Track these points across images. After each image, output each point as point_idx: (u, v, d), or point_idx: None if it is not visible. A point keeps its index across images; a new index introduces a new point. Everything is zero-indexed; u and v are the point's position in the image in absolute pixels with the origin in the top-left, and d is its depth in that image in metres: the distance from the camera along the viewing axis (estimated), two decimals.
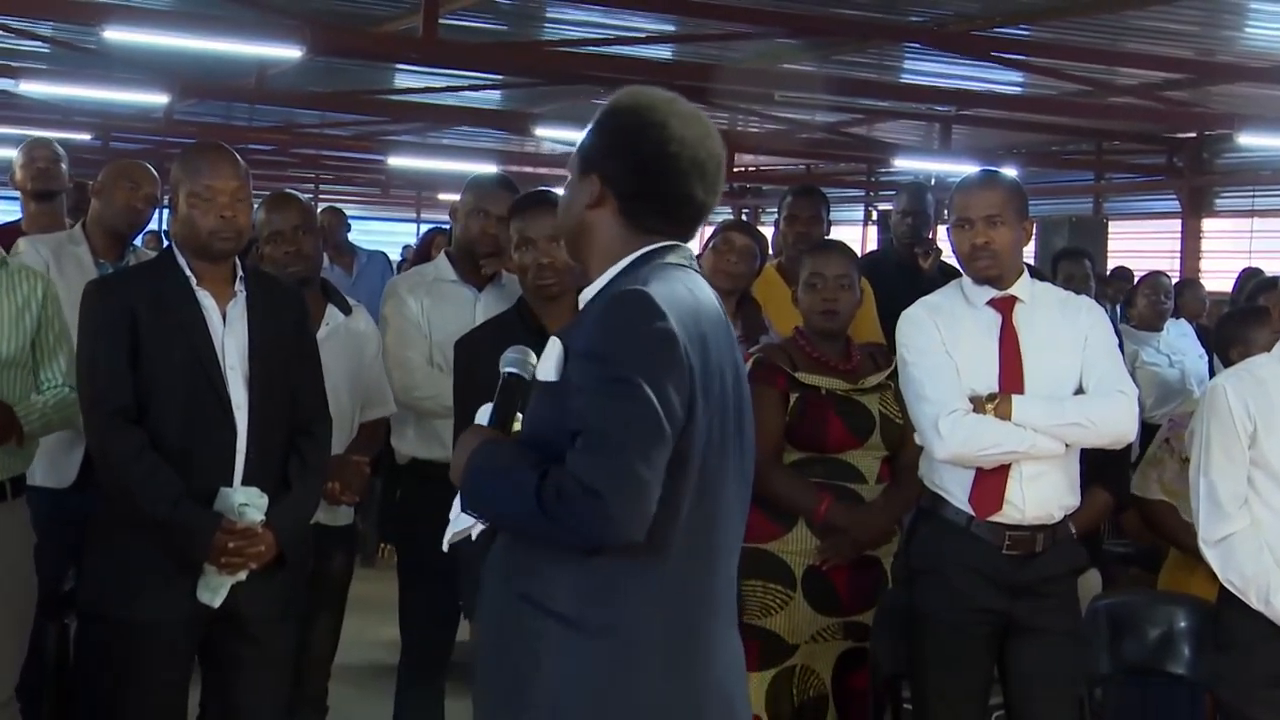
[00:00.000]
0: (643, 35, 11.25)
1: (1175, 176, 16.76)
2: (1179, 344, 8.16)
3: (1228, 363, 4.96)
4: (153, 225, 7.21)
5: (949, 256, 4.95)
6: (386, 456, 4.97)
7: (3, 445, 3.83)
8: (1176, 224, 16.96)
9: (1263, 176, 15.82)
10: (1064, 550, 4.01)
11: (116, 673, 3.73)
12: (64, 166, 5.77)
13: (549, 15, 11.29)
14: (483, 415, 2.75)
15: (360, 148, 19.16)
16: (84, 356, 3.79)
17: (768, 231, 6.62)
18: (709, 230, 5.23)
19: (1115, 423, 3.94)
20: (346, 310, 4.64)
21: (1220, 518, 3.80)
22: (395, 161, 18.42)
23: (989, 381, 3.94)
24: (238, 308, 3.82)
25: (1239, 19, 10.38)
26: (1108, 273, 11.61)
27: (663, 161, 2.64)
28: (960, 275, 4.15)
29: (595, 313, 2.55)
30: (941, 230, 5.05)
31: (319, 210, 8.26)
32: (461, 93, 14.45)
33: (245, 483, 3.73)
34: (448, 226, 6.01)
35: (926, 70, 12.44)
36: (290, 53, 9.57)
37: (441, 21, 9.41)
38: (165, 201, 4.16)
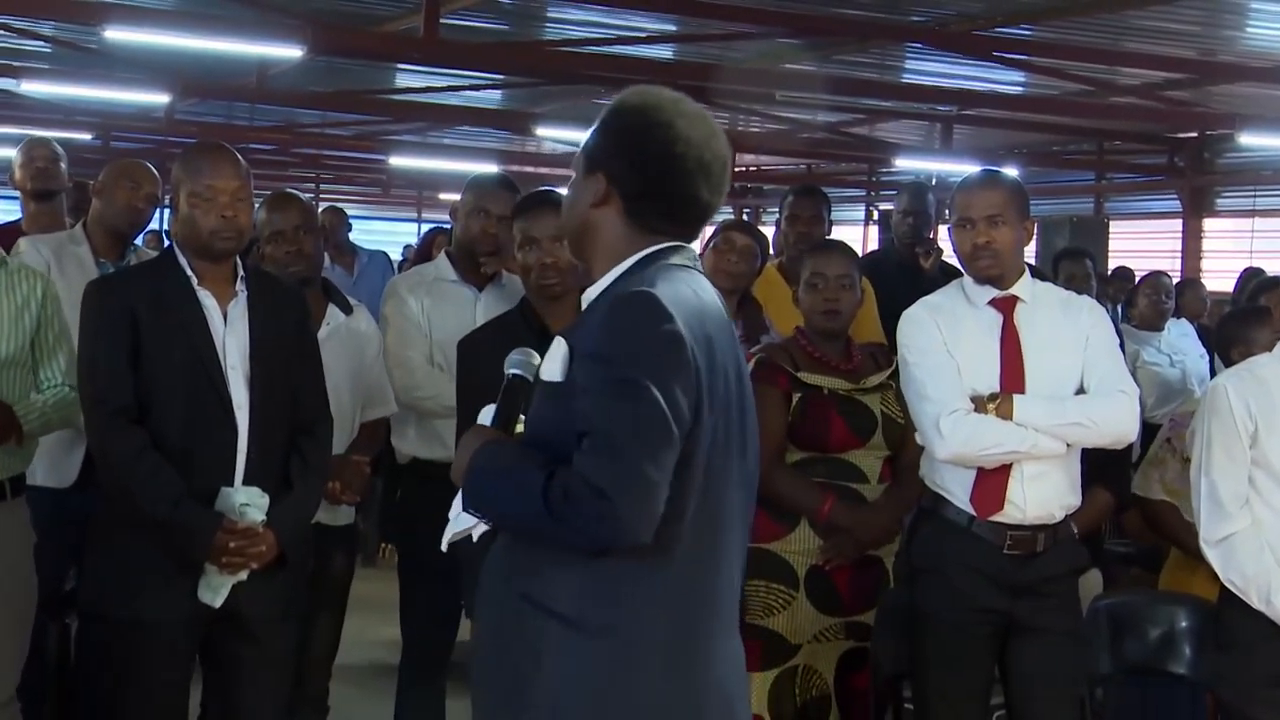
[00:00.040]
0: (644, 35, 11.26)
1: (1176, 176, 16.76)
2: (1180, 344, 8.16)
3: (1229, 362, 4.95)
4: (154, 225, 7.20)
5: (950, 256, 4.94)
6: (387, 456, 4.97)
7: (2, 445, 3.82)
8: (1177, 224, 16.97)
9: (1264, 176, 15.83)
10: (1065, 550, 4.01)
11: (117, 672, 3.73)
12: (63, 166, 5.77)
13: (550, 15, 11.29)
14: (485, 416, 2.75)
15: (361, 147, 19.17)
16: (85, 356, 3.79)
17: (769, 231, 6.62)
18: (709, 230, 5.23)
19: (1116, 423, 3.94)
20: (347, 310, 4.64)
21: (1221, 517, 3.80)
22: (396, 161, 18.43)
23: (990, 381, 3.94)
24: (239, 307, 3.82)
25: (1240, 19, 10.38)
26: (1109, 272, 11.60)
27: (668, 161, 2.63)
28: (961, 275, 4.14)
29: (601, 314, 2.54)
30: (943, 230, 5.04)
31: (320, 210, 8.25)
32: (462, 92, 14.45)
33: (246, 482, 3.73)
34: (449, 226, 6.01)
35: (928, 70, 12.44)
36: (291, 52, 9.58)
37: (442, 21, 9.41)
38: (166, 201, 4.16)
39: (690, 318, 2.53)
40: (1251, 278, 8.19)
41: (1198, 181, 16.59)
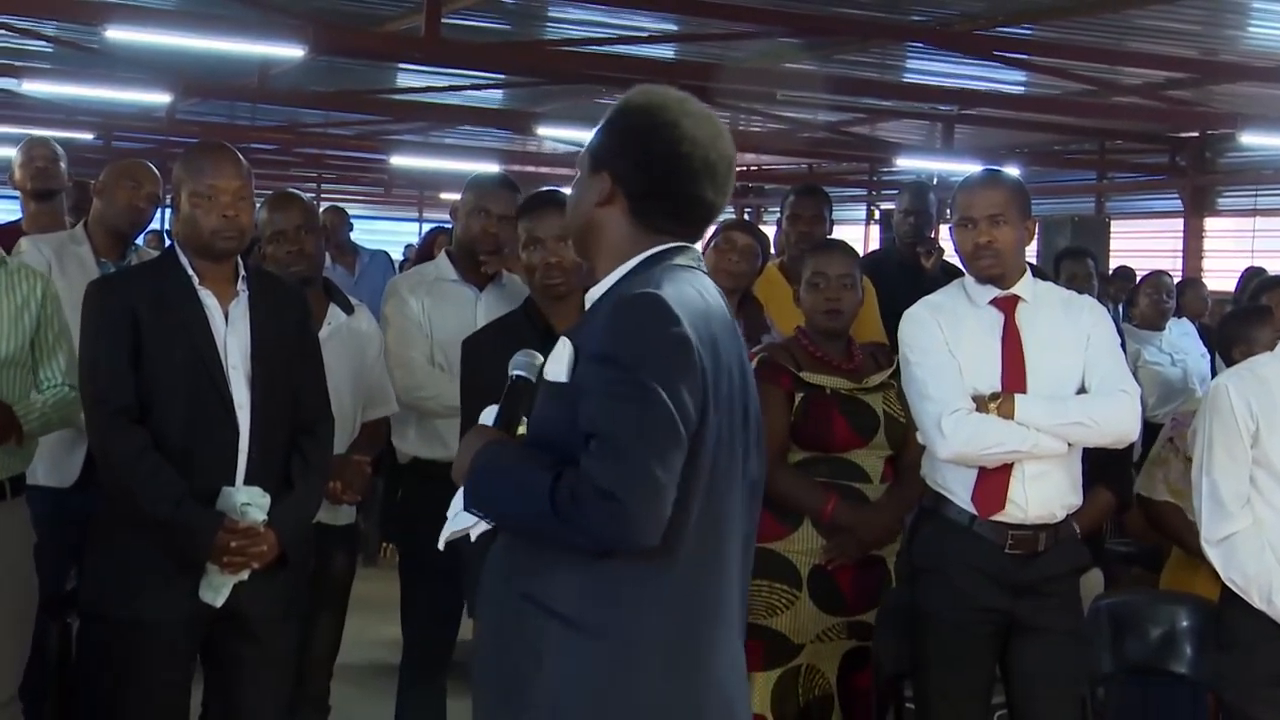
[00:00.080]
0: (645, 35, 11.25)
1: (1178, 176, 16.76)
2: (1181, 343, 8.16)
3: (1230, 362, 4.95)
4: (155, 225, 7.21)
5: (951, 256, 4.95)
6: (388, 456, 4.97)
7: (2, 445, 3.82)
8: (1179, 223, 16.97)
9: (1265, 176, 15.83)
10: (1066, 549, 4.00)
11: (118, 672, 3.73)
12: (63, 165, 5.77)
13: (551, 14, 11.29)
14: (487, 417, 2.75)
15: (363, 147, 19.18)
16: (86, 356, 3.79)
17: (770, 231, 6.62)
18: (710, 229, 5.23)
19: (1118, 422, 3.94)
20: (349, 310, 4.64)
21: (1222, 517, 3.79)
22: (398, 161, 18.44)
23: (991, 381, 3.93)
24: (240, 307, 3.82)
25: (1242, 18, 10.38)
26: (1110, 272, 11.60)
27: (674, 161, 2.63)
28: (962, 274, 4.14)
29: (606, 315, 2.54)
30: (944, 229, 5.04)
31: (321, 210, 8.26)
32: (464, 92, 14.45)
33: (247, 482, 3.73)
34: (450, 226, 6.01)
35: (929, 69, 12.44)
36: (293, 52, 9.59)
37: (444, 21, 9.42)
38: (167, 201, 4.16)
39: (696, 319, 2.52)
40: (1253, 277, 8.18)
41: (1199, 181, 16.59)
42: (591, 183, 2.69)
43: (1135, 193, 18.08)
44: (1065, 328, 3.99)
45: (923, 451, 4.10)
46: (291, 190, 4.90)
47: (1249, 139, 12.48)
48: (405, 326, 4.74)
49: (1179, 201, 16.91)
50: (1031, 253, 4.79)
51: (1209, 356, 7.87)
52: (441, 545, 2.77)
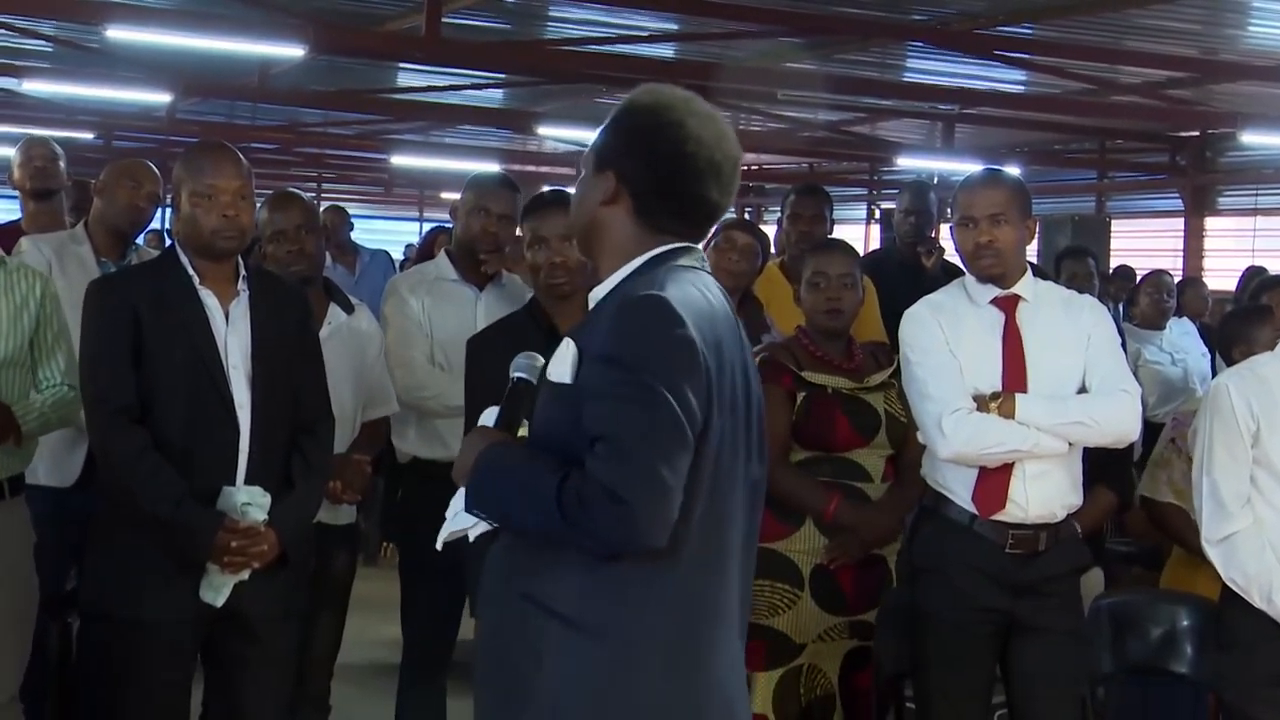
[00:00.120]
0: (645, 34, 11.26)
1: (1178, 175, 16.76)
2: (1181, 342, 8.16)
3: (1230, 361, 4.95)
4: (155, 224, 7.21)
5: (952, 255, 4.94)
6: (389, 456, 4.97)
7: (1, 445, 3.82)
8: (1179, 222, 16.97)
9: (1265, 175, 15.84)
10: (1067, 549, 4.00)
11: (118, 672, 3.73)
12: (62, 165, 5.76)
13: (551, 14, 11.29)
14: (487, 418, 2.74)
15: (363, 147, 19.18)
16: (86, 355, 3.79)
17: (770, 230, 6.62)
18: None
19: (1118, 422, 3.94)
20: (349, 309, 4.63)
21: (1223, 517, 3.79)
22: (398, 160, 18.45)
23: (992, 380, 3.93)
24: (240, 307, 3.82)
25: (1242, 17, 10.39)
26: (1110, 271, 11.60)
27: (679, 161, 2.63)
28: (963, 274, 4.14)
29: (610, 317, 2.53)
30: (944, 229, 5.04)
31: (322, 209, 8.26)
32: (464, 91, 14.46)
33: (248, 482, 3.73)
34: (450, 225, 6.01)
35: (929, 69, 12.45)
36: (293, 51, 9.59)
37: (444, 20, 9.42)
38: (168, 200, 4.16)
39: (700, 320, 2.52)
40: (1254, 276, 8.18)
41: (1199, 180, 16.59)
42: (596, 181, 2.69)
43: (1136, 192, 18.08)
44: (1066, 327, 3.99)
45: (923, 451, 4.10)
46: (292, 190, 4.90)
47: (1249, 138, 12.48)
48: (405, 326, 4.74)
49: (1179, 201, 16.91)
50: (1032, 252, 4.79)
51: (1209, 356, 7.87)
52: (439, 545, 2.77)
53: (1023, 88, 13.20)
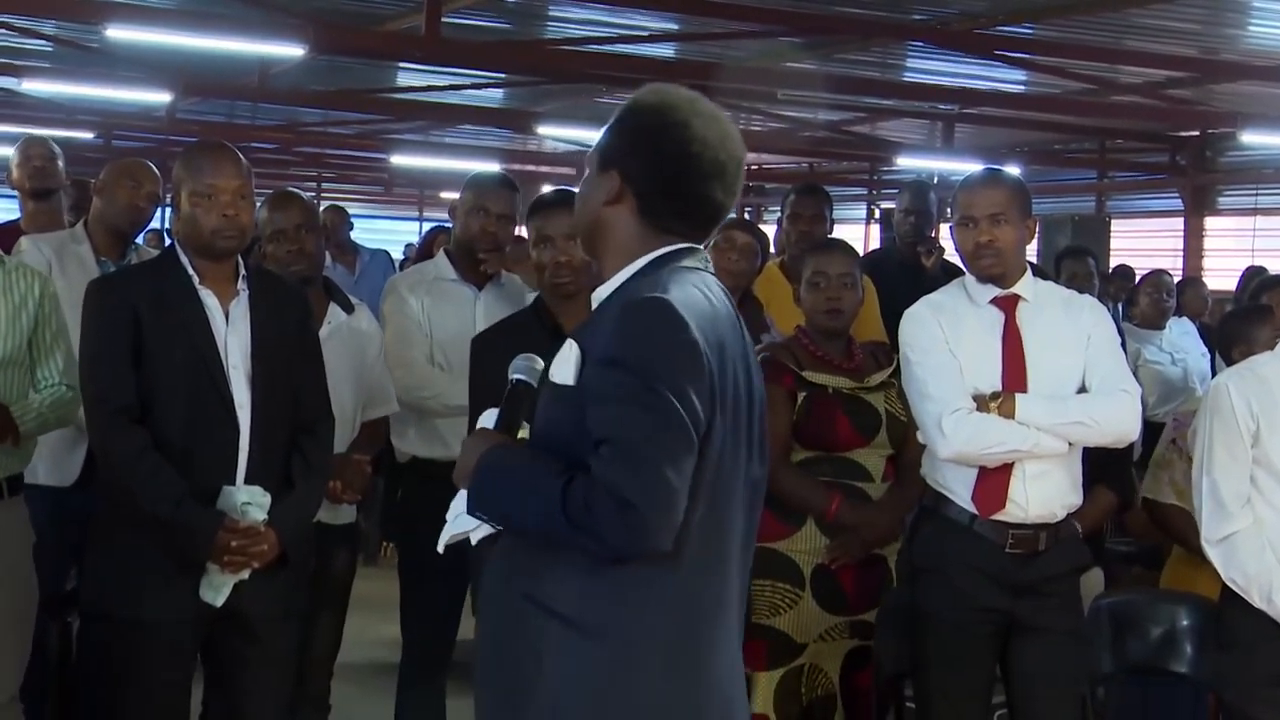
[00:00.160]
0: (646, 34, 11.26)
1: (1178, 175, 16.76)
2: (1181, 342, 8.16)
3: (1230, 361, 4.95)
4: (155, 224, 7.21)
5: (952, 255, 4.94)
6: (388, 455, 4.97)
7: None
8: (1179, 222, 16.97)
9: (1265, 175, 15.84)
10: (1066, 549, 4.00)
11: (118, 672, 3.73)
12: (60, 164, 5.76)
13: (551, 14, 11.29)
14: (487, 420, 2.74)
15: (363, 146, 19.18)
16: (86, 355, 3.79)
17: (770, 230, 6.62)
18: None
19: (1118, 421, 3.94)
20: (349, 309, 4.63)
21: (1223, 517, 3.79)
22: (398, 160, 18.45)
23: (992, 380, 3.93)
24: (240, 306, 3.82)
25: (1242, 17, 10.39)
26: (1110, 271, 11.60)
27: (684, 161, 2.63)
28: (963, 274, 4.14)
29: (614, 319, 2.53)
30: (944, 229, 5.04)
31: (322, 209, 8.26)
32: (464, 91, 14.45)
33: (248, 482, 3.73)
34: (450, 225, 6.01)
35: (929, 69, 12.45)
36: (293, 51, 9.60)
37: (444, 20, 9.42)
38: (167, 200, 4.16)
39: (703, 323, 2.52)
40: (1253, 276, 8.18)
41: (1199, 180, 16.59)
42: (600, 181, 2.69)
43: (1135, 192, 18.08)
44: (1066, 327, 3.99)
45: (923, 450, 4.10)
46: (292, 189, 4.90)
47: (1249, 138, 12.48)
48: (404, 325, 4.74)
49: (1179, 200, 16.90)
50: (1032, 252, 4.79)
51: (1209, 356, 7.87)
52: (441, 548, 2.76)
53: (1023, 88, 13.21)
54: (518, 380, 2.72)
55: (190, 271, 3.79)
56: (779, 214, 6.22)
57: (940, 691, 4.02)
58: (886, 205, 17.54)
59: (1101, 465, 4.17)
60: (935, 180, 13.53)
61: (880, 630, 4.31)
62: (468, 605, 4.59)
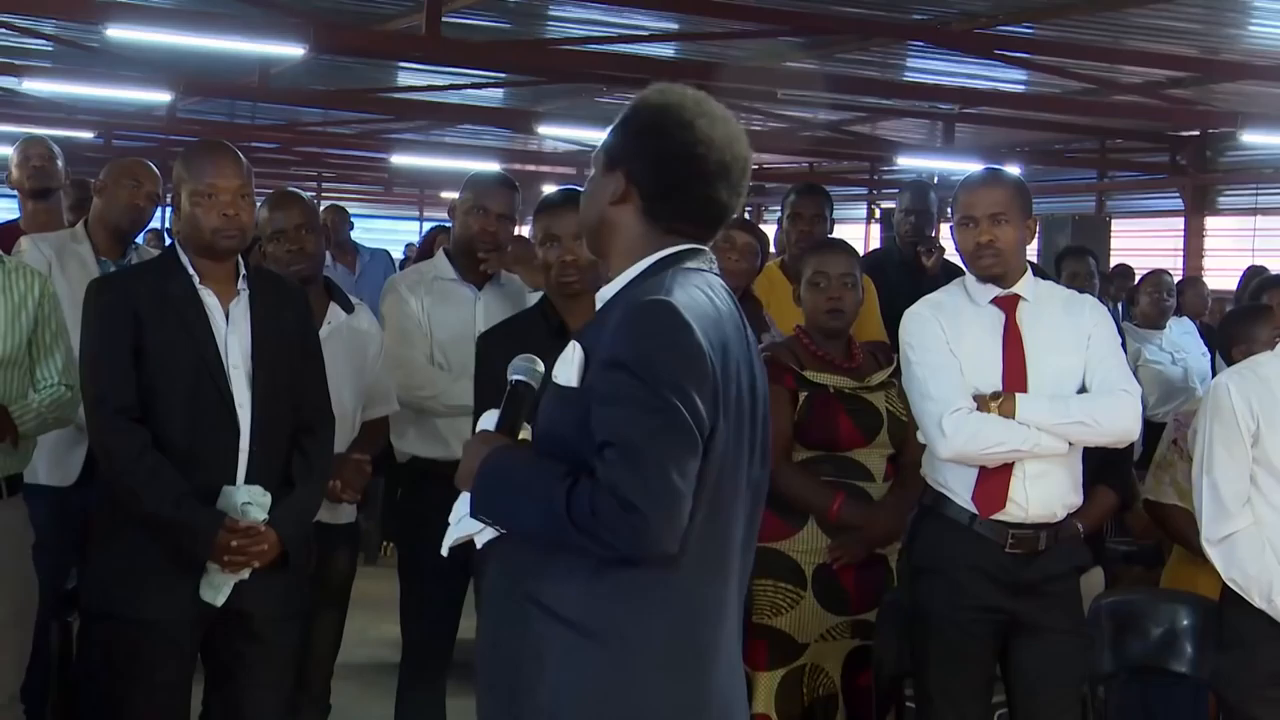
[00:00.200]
0: (646, 33, 11.25)
1: (1178, 174, 16.75)
2: (1182, 342, 8.16)
3: (1230, 361, 4.95)
4: (155, 223, 7.21)
5: (952, 255, 4.94)
6: (388, 455, 4.97)
7: None
8: (1179, 222, 16.96)
9: (1265, 174, 15.83)
10: (1067, 549, 4.00)
11: (119, 672, 3.73)
12: (60, 164, 5.76)
13: (552, 13, 11.28)
14: (487, 421, 2.74)
15: (363, 146, 19.17)
16: (87, 355, 3.79)
17: (770, 229, 6.62)
18: None
19: (1118, 421, 3.94)
20: (349, 309, 4.63)
21: (1223, 516, 3.79)
22: (398, 160, 18.44)
23: (992, 380, 3.93)
24: (241, 306, 3.82)
25: (1242, 16, 10.38)
26: (1110, 271, 11.60)
27: (689, 162, 2.62)
28: (963, 273, 4.14)
29: (618, 320, 2.53)
30: (945, 228, 5.04)
31: (322, 208, 8.27)
32: (464, 91, 14.44)
33: (248, 481, 3.73)
34: (450, 225, 6.00)
35: (930, 68, 12.44)
36: (293, 51, 9.58)
37: (444, 20, 9.42)
38: (168, 200, 4.16)
39: (707, 325, 2.53)
40: (1254, 276, 8.17)
41: (1199, 180, 16.59)
42: (605, 181, 2.69)
43: (1136, 191, 18.08)
44: (1066, 327, 3.99)
45: (923, 450, 4.10)
46: (292, 189, 4.90)
47: (1250, 138, 12.47)
48: (404, 325, 4.74)
49: (1179, 200, 16.90)
50: (1032, 251, 4.78)
51: (1209, 355, 7.87)
52: (445, 552, 2.75)
53: (1023, 87, 13.20)
54: (517, 381, 2.72)
55: (191, 271, 3.79)
56: (779, 214, 6.22)
57: (940, 691, 4.02)
58: (887, 205, 17.56)
59: (1102, 465, 4.17)
60: (935, 180, 13.53)
61: (880, 630, 4.31)
62: (468, 604, 4.59)
